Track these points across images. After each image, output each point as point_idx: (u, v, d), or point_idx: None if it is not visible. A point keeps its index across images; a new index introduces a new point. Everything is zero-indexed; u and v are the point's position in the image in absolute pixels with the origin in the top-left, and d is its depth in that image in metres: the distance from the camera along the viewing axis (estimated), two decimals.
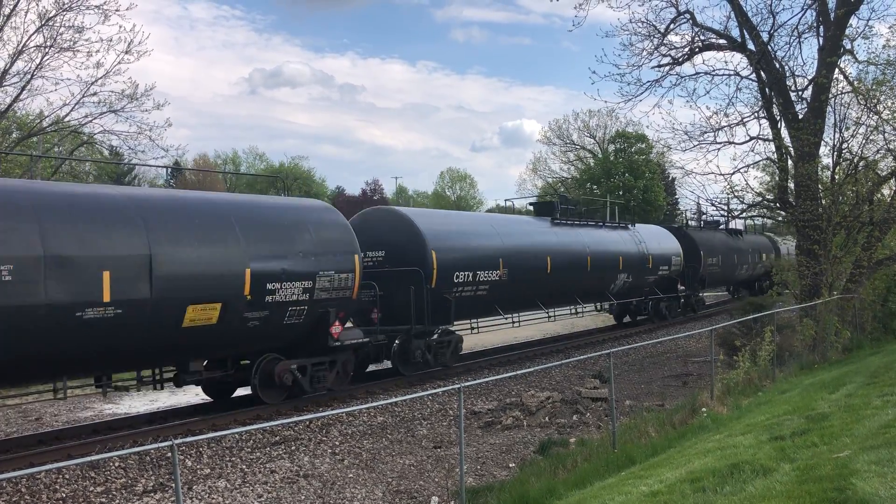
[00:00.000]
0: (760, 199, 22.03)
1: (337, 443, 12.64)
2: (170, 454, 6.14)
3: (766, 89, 20.44)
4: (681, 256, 30.06)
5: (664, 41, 21.23)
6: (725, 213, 26.91)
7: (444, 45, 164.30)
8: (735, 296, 42.51)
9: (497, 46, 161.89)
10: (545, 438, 12.31)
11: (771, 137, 20.41)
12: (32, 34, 20.76)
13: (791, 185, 20.16)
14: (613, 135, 68.79)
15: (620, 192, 63.92)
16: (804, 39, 20.16)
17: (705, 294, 41.91)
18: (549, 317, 23.04)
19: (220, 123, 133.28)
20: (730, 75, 21.06)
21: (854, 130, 19.99)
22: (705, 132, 20.94)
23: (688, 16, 20.96)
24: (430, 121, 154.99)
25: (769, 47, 20.04)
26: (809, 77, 20.09)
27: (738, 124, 20.90)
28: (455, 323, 18.86)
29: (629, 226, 28.10)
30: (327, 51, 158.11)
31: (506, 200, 40.88)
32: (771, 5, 19.96)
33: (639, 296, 27.73)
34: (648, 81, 21.45)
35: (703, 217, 37.61)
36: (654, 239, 28.85)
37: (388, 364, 18.15)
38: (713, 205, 23.25)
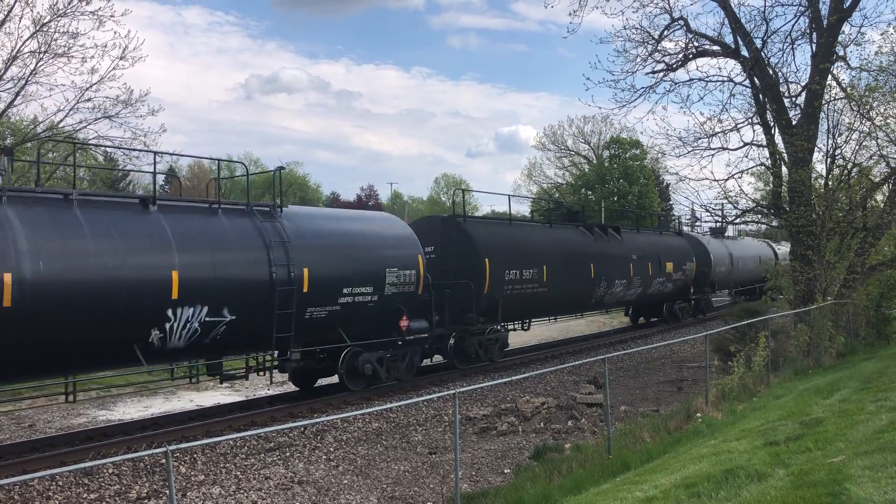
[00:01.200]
0: (755, 204, 22.10)
1: (332, 449, 12.61)
2: (164, 460, 6.12)
3: (760, 95, 20.53)
4: (416, 271, 16.87)
5: (658, 47, 21.32)
6: (720, 219, 26.69)
7: (439, 52, 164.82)
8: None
9: (491, 53, 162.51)
10: (540, 444, 12.31)
11: (765, 143, 20.49)
12: (27, 40, 20.77)
13: (785, 190, 20.23)
14: (608, 141, 68.97)
15: (615, 198, 64.10)
16: (797, 46, 20.31)
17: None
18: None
19: (215, 129, 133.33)
20: (723, 81, 21.18)
21: (847, 136, 20.12)
22: (699, 138, 21.01)
23: (682, 22, 21.06)
24: (426, 127, 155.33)
25: (762, 53, 20.15)
26: (803, 83, 20.22)
27: (731, 130, 20.99)
28: None
29: (265, 211, 14.48)
30: (321, 57, 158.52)
31: None
32: (764, 12, 20.09)
33: (250, 348, 14.41)
34: (642, 87, 21.55)
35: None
36: (331, 236, 15.41)
37: None
38: (707, 210, 23.31)
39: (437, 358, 19.88)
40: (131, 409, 16.75)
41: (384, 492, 10.36)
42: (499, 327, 20.32)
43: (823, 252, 19.29)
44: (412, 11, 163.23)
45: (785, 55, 20.47)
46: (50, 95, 23.15)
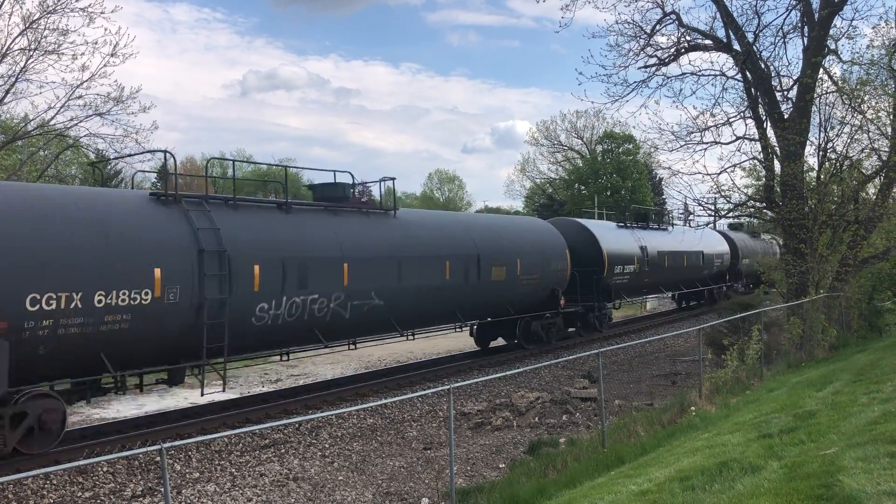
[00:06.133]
0: (747, 198, 22.13)
1: (327, 445, 12.61)
2: (158, 458, 6.11)
3: (752, 89, 20.56)
4: None
5: (650, 42, 21.32)
6: (712, 213, 26.59)
7: (428, 47, 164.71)
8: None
9: (482, 48, 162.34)
10: (535, 439, 12.33)
11: (757, 137, 20.52)
12: (16, 37, 20.60)
13: (777, 184, 20.28)
14: (601, 135, 69.03)
15: (608, 193, 64.20)
16: (789, 40, 20.33)
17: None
18: None
19: (210, 127, 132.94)
20: (716, 75, 21.20)
21: (839, 130, 20.15)
22: (692, 132, 21.02)
23: (674, 16, 21.07)
24: (420, 123, 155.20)
25: (754, 47, 20.17)
26: (794, 77, 20.25)
27: (724, 124, 21.01)
28: None
29: None
30: (310, 53, 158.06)
31: None
32: (756, 6, 20.13)
33: None
34: (635, 82, 21.54)
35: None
36: None
37: None
38: (700, 205, 23.30)
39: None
40: (125, 407, 16.70)
41: (379, 487, 10.37)
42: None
43: (816, 245, 19.35)
44: (411, 8, 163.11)
45: (777, 49, 20.57)
46: (40, 93, 23.11)
